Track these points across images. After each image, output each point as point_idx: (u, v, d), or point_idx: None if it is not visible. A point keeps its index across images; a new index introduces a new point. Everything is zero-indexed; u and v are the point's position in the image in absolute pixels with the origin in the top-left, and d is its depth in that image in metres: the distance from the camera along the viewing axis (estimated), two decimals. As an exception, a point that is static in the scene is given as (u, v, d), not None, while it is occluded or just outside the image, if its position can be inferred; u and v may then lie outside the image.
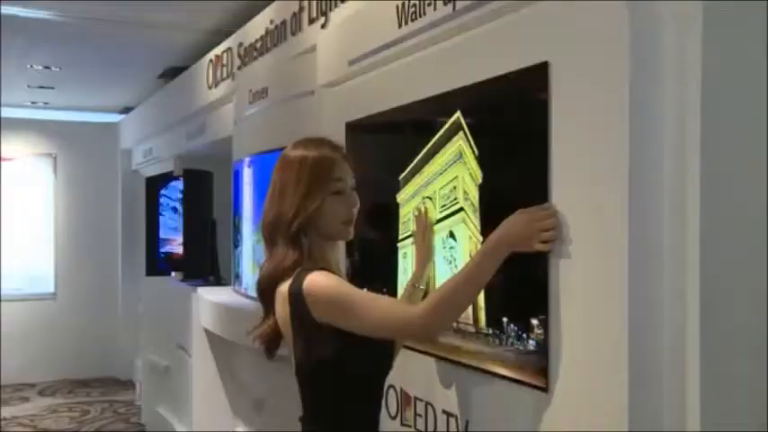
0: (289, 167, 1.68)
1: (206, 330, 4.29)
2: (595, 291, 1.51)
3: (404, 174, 2.17)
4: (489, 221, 1.69)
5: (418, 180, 2.10)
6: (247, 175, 3.76)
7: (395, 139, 2.31)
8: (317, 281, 1.59)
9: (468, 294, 1.60)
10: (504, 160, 1.79)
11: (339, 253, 1.82)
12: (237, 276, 3.99)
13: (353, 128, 2.51)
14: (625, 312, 1.42)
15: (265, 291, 1.70)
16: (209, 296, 4.16)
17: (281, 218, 1.66)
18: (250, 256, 3.63)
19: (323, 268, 1.64)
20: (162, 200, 5.82)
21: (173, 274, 5.46)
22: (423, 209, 2.07)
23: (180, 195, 5.18)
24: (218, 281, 4.77)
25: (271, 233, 1.69)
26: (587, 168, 1.53)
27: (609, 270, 1.47)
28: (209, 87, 4.72)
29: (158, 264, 5.77)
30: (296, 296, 1.60)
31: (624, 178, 1.43)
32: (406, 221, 2.18)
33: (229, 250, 4.21)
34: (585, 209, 1.53)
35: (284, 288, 1.64)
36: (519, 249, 1.59)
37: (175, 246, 5.38)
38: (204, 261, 4.87)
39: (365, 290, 1.69)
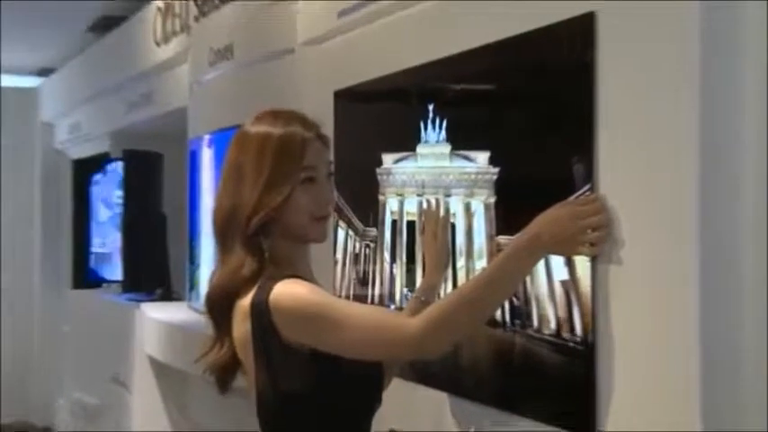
0: (248, 147, 1.69)
1: (151, 359, 4.26)
2: (656, 310, 1.51)
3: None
4: (519, 218, 1.71)
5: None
6: (207, 157, 3.78)
7: (396, 111, 2.31)
8: (285, 291, 1.61)
9: (486, 305, 1.61)
10: (536, 140, 1.81)
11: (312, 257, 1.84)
12: (194, 289, 4.00)
13: (344, 97, 2.48)
14: (696, 339, 1.41)
15: (218, 307, 1.71)
16: (157, 314, 4.14)
17: (237, 213, 1.68)
18: (211, 262, 3.60)
19: (292, 275, 1.66)
20: (95, 189, 5.80)
21: (108, 285, 5.45)
22: (433, 201, 2.08)
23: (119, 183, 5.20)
24: (169, 295, 4.76)
25: (224, 232, 1.71)
26: (645, 151, 1.53)
27: (673, 282, 1.47)
28: (157, 44, 4.73)
29: (89, 273, 5.75)
30: (259, 311, 1.62)
31: (693, 164, 1.43)
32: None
33: (183, 254, 4.19)
34: (643, 203, 1.54)
35: (245, 302, 1.66)
36: (557, 253, 1.62)
37: (112, 249, 5.39)
38: (150, 269, 4.86)
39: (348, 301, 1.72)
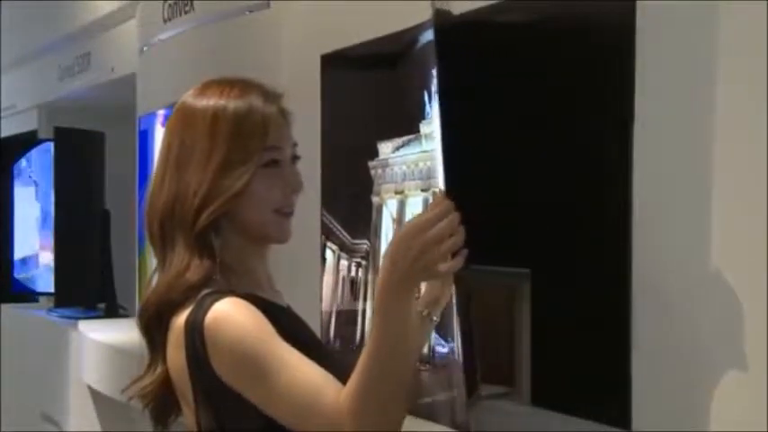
0: (194, 124, 1.60)
1: (91, 390, 4.16)
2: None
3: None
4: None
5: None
6: (162, 137, 3.69)
7: (397, 80, 2.20)
8: (226, 314, 1.50)
9: (394, 371, 1.44)
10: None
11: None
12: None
13: (333, 63, 2.45)
14: None
15: (154, 322, 1.61)
16: (99, 335, 4.07)
17: (181, 203, 1.58)
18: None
19: (244, 291, 1.55)
20: (19, 177, 5.58)
21: (37, 298, 5.43)
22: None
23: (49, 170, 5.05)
24: (114, 310, 4.68)
25: (163, 229, 1.61)
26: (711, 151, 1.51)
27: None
28: (98, -6, 4.63)
29: (13, 283, 5.57)
30: (193, 334, 1.51)
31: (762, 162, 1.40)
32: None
33: (132, 260, 4.07)
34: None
35: (181, 319, 1.54)
36: (421, 279, 1.48)
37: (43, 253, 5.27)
38: (89, 279, 4.74)
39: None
